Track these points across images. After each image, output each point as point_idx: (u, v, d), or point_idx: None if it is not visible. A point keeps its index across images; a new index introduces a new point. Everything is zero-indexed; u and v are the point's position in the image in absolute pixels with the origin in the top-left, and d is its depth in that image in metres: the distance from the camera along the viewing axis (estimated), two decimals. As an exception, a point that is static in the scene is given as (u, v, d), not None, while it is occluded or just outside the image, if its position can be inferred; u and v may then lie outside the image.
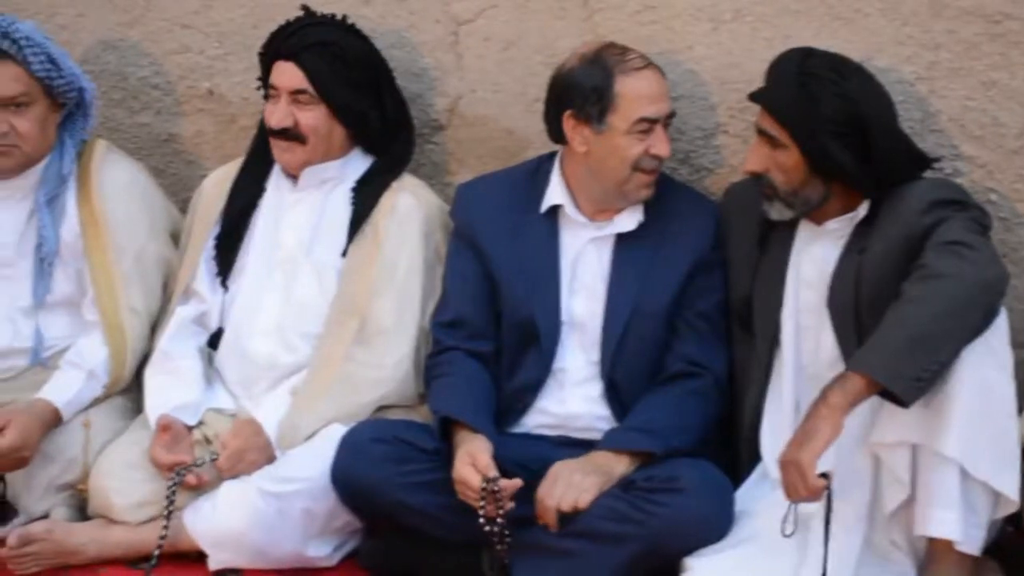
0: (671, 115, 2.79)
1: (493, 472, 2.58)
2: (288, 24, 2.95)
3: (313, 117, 2.90)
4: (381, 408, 2.87)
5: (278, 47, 2.93)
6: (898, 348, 2.37)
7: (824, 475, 2.39)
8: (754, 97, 2.67)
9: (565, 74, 2.79)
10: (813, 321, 2.69)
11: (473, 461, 2.59)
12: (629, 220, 2.81)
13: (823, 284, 2.67)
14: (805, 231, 2.72)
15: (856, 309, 2.60)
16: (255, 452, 2.77)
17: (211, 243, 3.01)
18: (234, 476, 2.78)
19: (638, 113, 2.72)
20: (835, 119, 2.56)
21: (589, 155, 2.77)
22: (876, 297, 2.55)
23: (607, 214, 2.82)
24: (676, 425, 2.72)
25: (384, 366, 2.85)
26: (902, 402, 2.38)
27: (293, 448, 2.78)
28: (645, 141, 2.74)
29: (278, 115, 2.90)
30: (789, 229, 2.73)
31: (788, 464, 2.40)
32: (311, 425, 2.80)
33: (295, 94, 2.89)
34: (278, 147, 2.93)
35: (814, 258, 2.70)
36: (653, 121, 2.74)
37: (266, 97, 2.97)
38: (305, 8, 2.99)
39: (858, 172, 2.59)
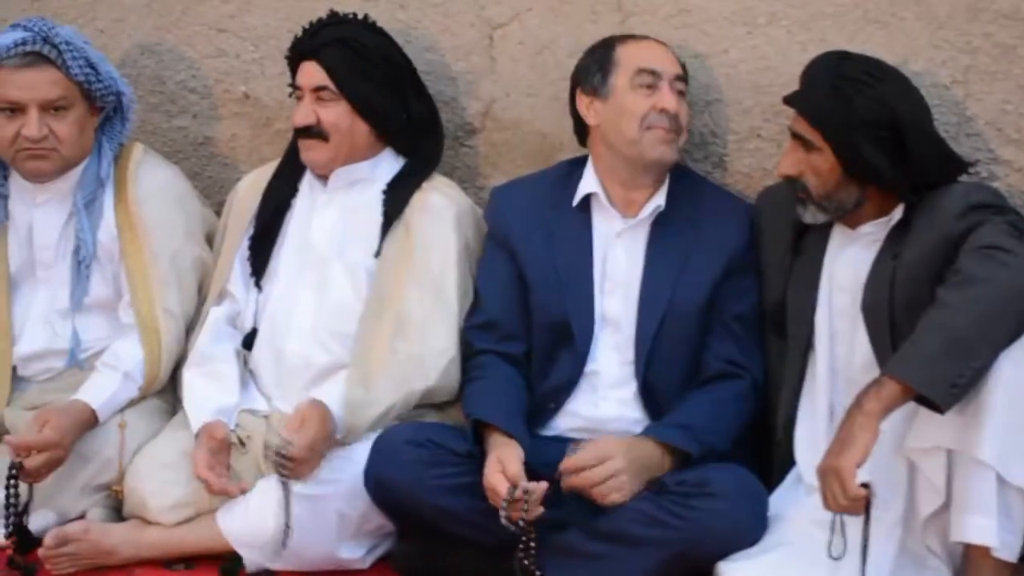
0: (680, 79, 2.82)
1: (523, 481, 2.58)
2: (311, 25, 2.99)
3: (334, 114, 2.92)
4: (417, 407, 2.86)
5: (301, 47, 2.96)
6: (934, 354, 2.36)
7: (865, 485, 2.37)
8: (788, 100, 2.67)
9: (576, 65, 2.89)
10: (847, 325, 2.68)
11: (503, 468, 2.60)
12: (651, 206, 2.83)
13: (857, 288, 2.65)
14: (839, 235, 2.71)
15: (890, 313, 2.59)
16: (325, 442, 2.73)
17: (245, 244, 3.03)
18: (299, 471, 2.72)
19: (636, 64, 2.78)
20: (869, 122, 2.55)
21: (602, 126, 2.82)
22: (911, 301, 2.53)
23: (635, 203, 2.83)
24: (716, 429, 2.71)
25: (425, 357, 2.85)
26: (938, 408, 2.36)
27: (356, 438, 2.77)
28: (651, 97, 2.77)
29: (301, 113, 2.93)
30: (823, 233, 2.72)
31: (827, 472, 2.38)
32: (372, 415, 2.78)
33: (317, 91, 2.92)
34: (303, 146, 2.96)
35: (848, 262, 2.69)
36: (654, 74, 2.77)
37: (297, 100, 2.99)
38: (330, 11, 3.01)
39: (892, 176, 2.58)
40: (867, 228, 2.66)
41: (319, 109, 2.92)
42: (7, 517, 2.75)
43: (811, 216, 2.67)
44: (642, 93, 2.78)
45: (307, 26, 2.99)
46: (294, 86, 2.99)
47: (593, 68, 2.83)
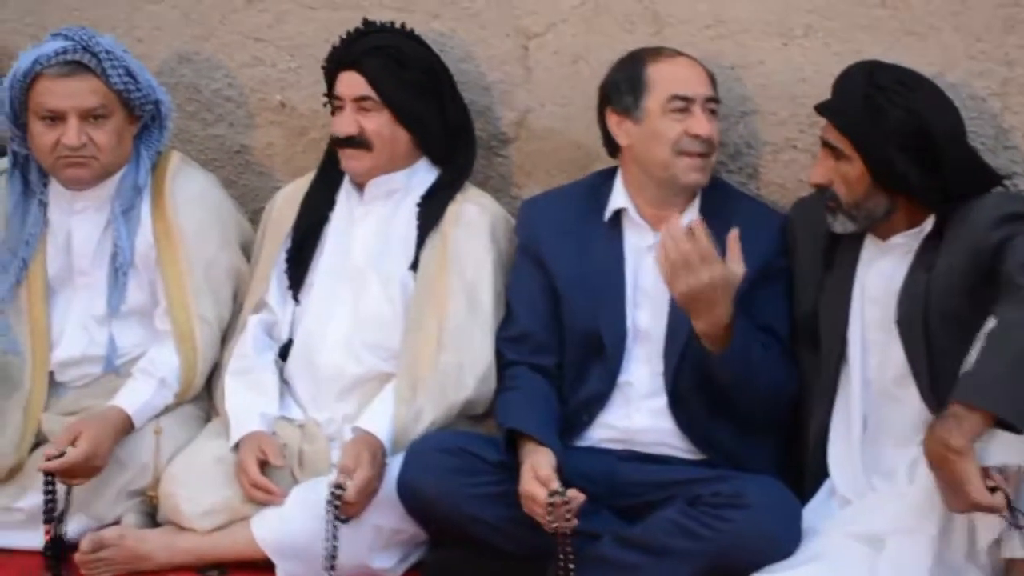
0: (712, 100, 2.80)
1: (556, 485, 2.58)
2: (348, 35, 3.00)
3: (377, 122, 2.93)
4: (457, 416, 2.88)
5: (339, 57, 2.97)
6: (1006, 375, 2.32)
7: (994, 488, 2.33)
8: (820, 108, 2.66)
9: (606, 79, 2.87)
10: (879, 337, 2.67)
11: (537, 475, 2.60)
12: (684, 221, 2.80)
13: (889, 300, 2.64)
14: (870, 246, 2.70)
15: (925, 325, 2.57)
16: (378, 479, 2.75)
17: (283, 257, 3.04)
18: (353, 513, 2.73)
19: (669, 91, 2.75)
20: (900, 131, 2.55)
21: (634, 148, 2.81)
22: (945, 313, 2.52)
23: (666, 220, 2.80)
24: (756, 367, 2.69)
25: (463, 367, 2.86)
26: (1017, 429, 2.33)
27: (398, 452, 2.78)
28: (683, 122, 2.76)
29: (344, 123, 2.93)
30: (855, 244, 2.71)
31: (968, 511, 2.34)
32: (417, 432, 2.80)
33: (358, 101, 2.92)
34: (345, 156, 2.97)
35: (880, 273, 2.68)
36: (687, 99, 2.76)
37: (333, 111, 3.00)
38: (365, 20, 3.03)
39: (923, 186, 2.57)
40: (898, 239, 2.65)
41: (362, 119, 2.93)
42: (45, 522, 2.78)
43: (840, 225, 2.66)
44: (674, 118, 2.76)
45: (344, 36, 3.00)
46: (331, 96, 3.00)
47: (624, 87, 2.81)
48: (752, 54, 2.97)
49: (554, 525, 2.57)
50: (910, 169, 2.55)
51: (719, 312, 2.62)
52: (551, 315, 2.88)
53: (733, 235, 2.61)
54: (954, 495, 2.33)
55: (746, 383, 2.69)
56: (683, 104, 2.76)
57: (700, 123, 2.76)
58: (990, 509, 2.34)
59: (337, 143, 2.98)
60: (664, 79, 2.78)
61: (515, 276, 2.96)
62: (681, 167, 2.77)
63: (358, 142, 2.94)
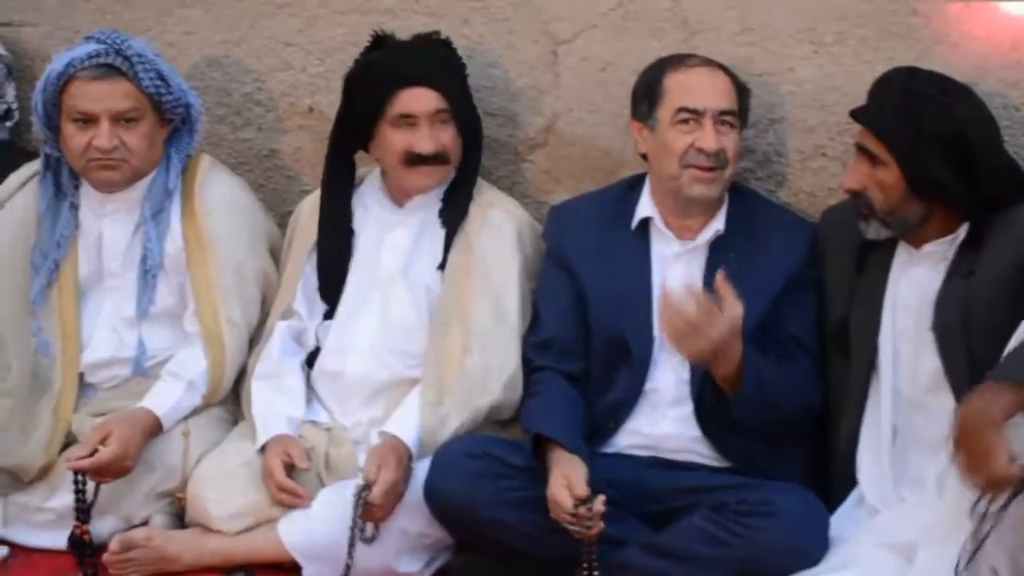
0: (727, 113, 2.76)
1: (584, 491, 2.58)
2: (402, 50, 2.95)
3: (451, 136, 2.94)
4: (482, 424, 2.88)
5: (403, 74, 2.90)
6: None
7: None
8: (855, 113, 2.65)
9: (634, 86, 2.86)
10: (911, 345, 2.66)
11: (568, 483, 2.60)
12: (708, 231, 2.82)
13: (921, 308, 2.64)
14: (903, 254, 2.69)
15: (964, 333, 2.56)
16: (404, 483, 2.76)
17: (309, 267, 3.03)
18: (378, 515, 2.74)
19: (677, 103, 2.74)
20: (937, 137, 2.54)
21: (649, 156, 2.81)
22: (987, 321, 2.51)
23: (691, 228, 2.82)
24: (775, 389, 2.68)
25: (489, 372, 2.86)
26: None
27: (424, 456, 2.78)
28: (691, 134, 2.74)
29: (427, 141, 2.89)
30: (886, 252, 2.70)
31: (989, 483, 2.26)
32: (444, 436, 2.80)
33: (434, 116, 2.90)
34: (420, 173, 2.93)
35: (912, 281, 2.67)
36: (696, 112, 2.74)
37: (367, 127, 2.94)
38: (418, 35, 3.01)
39: (959, 193, 2.56)
40: (931, 247, 2.65)
41: (440, 134, 2.91)
42: (77, 520, 2.80)
43: (874, 232, 2.65)
44: (683, 129, 2.75)
45: (395, 52, 2.94)
46: (375, 114, 2.91)
47: (643, 95, 2.82)
48: (782, 61, 2.97)
49: (580, 531, 2.57)
50: (947, 176, 2.55)
51: (733, 355, 2.63)
52: (578, 321, 2.88)
53: (719, 280, 2.59)
54: (977, 467, 2.27)
55: (768, 412, 2.69)
56: (691, 116, 2.74)
57: (707, 137, 2.73)
58: (1008, 483, 2.26)
59: (416, 160, 2.92)
60: (676, 90, 2.77)
61: (542, 282, 2.96)
62: (686, 179, 2.76)
63: (440, 158, 2.93)
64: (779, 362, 2.74)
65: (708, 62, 2.82)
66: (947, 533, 2.44)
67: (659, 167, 2.79)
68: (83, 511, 2.80)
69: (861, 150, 2.63)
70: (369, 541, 2.73)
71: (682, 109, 2.74)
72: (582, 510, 2.55)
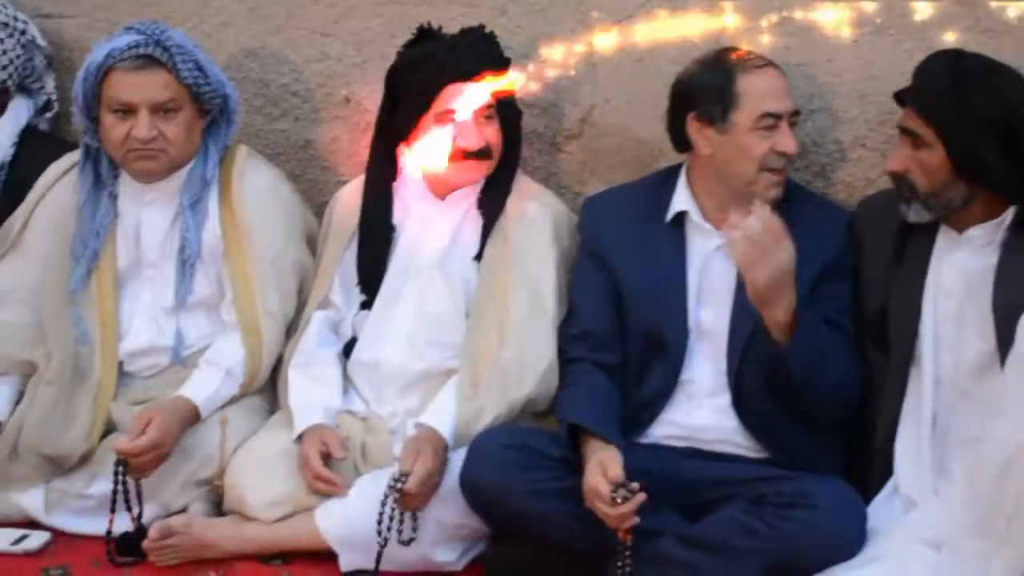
0: (795, 113, 2.78)
1: (622, 481, 2.58)
2: (449, 46, 2.93)
3: (496, 132, 2.94)
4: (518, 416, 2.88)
5: (452, 70, 2.90)
6: None
7: None
8: (901, 94, 2.63)
9: (686, 78, 2.82)
10: (953, 332, 2.64)
11: (604, 471, 2.60)
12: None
13: (965, 294, 2.62)
14: (944, 239, 2.67)
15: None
16: (439, 473, 2.76)
17: (347, 258, 3.04)
18: (415, 505, 2.74)
19: (761, 108, 2.72)
20: (987, 119, 2.52)
21: (715, 157, 2.78)
22: None
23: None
24: (827, 348, 2.67)
25: (524, 364, 2.86)
26: None
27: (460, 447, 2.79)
28: (770, 138, 2.73)
29: (473, 136, 2.90)
30: (927, 238, 2.68)
31: None
32: (479, 428, 2.81)
33: (480, 112, 2.90)
34: (464, 167, 2.93)
35: (955, 266, 2.65)
36: (777, 117, 2.73)
37: (411, 121, 2.94)
38: (464, 29, 3.00)
39: (1006, 175, 2.53)
40: (975, 231, 2.62)
41: (484, 129, 2.91)
42: (128, 510, 2.83)
43: (915, 215, 2.63)
44: (763, 135, 2.73)
45: (440, 47, 2.93)
46: (420, 109, 2.91)
47: (712, 97, 2.75)
48: (821, 51, 2.95)
49: (616, 521, 2.57)
50: (994, 158, 2.53)
51: (791, 295, 2.61)
52: (614, 312, 2.88)
53: (767, 213, 2.58)
54: None
55: (815, 375, 2.67)
56: (773, 121, 2.74)
57: (787, 140, 2.74)
58: None
59: (457, 155, 2.92)
60: (755, 94, 2.74)
61: (578, 273, 2.96)
62: (763, 183, 2.76)
63: (484, 153, 2.93)
64: (828, 329, 2.72)
65: (768, 60, 2.80)
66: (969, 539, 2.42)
67: (730, 169, 2.77)
68: (123, 500, 2.82)
69: (905, 132, 2.61)
70: (407, 543, 2.73)
71: (766, 115, 2.73)
72: (621, 491, 2.55)
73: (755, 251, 2.57)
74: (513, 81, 2.99)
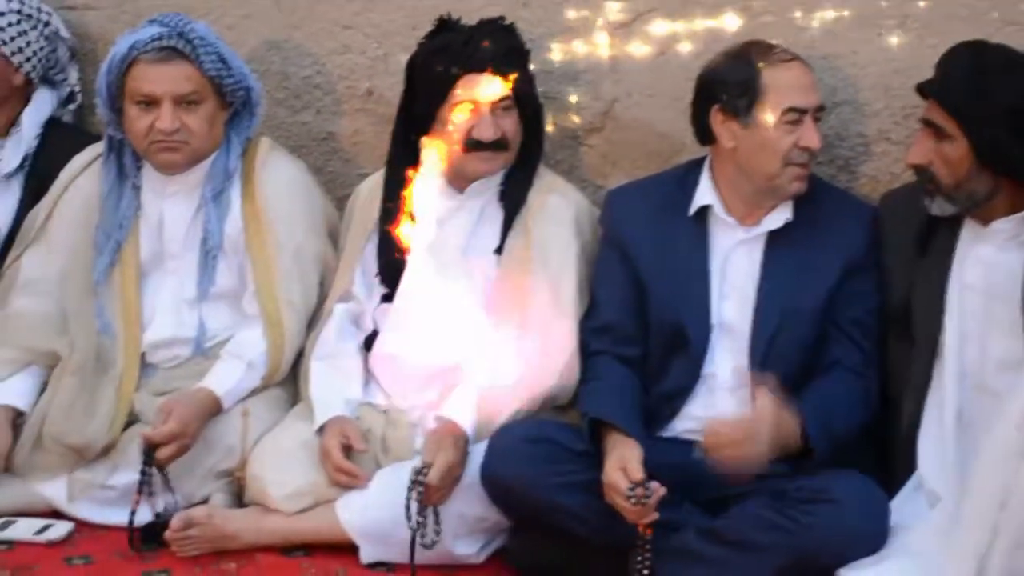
0: (820, 108, 2.77)
1: (640, 476, 2.58)
2: (467, 36, 2.93)
3: (513, 123, 2.94)
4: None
5: (468, 61, 2.89)
6: None
7: None
8: (923, 86, 2.61)
9: (711, 71, 2.81)
10: (978, 326, 2.63)
11: (623, 466, 2.59)
12: (778, 219, 2.80)
13: (990, 288, 2.60)
14: (969, 233, 2.66)
15: None
16: (460, 466, 2.76)
17: (367, 251, 3.04)
18: (437, 498, 2.74)
19: (786, 103, 2.71)
20: (1010, 110, 2.50)
21: (738, 151, 2.77)
22: None
23: (756, 215, 2.81)
24: (843, 430, 2.67)
25: (546, 358, 2.86)
26: None
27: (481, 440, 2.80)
28: (794, 133, 2.72)
29: (488, 128, 2.89)
30: (951, 232, 2.67)
31: None
32: (500, 421, 2.81)
33: (497, 103, 2.90)
34: (480, 158, 2.92)
35: (979, 260, 2.64)
36: (801, 111, 2.72)
37: (429, 112, 2.94)
38: (483, 21, 3.00)
39: None
40: (1000, 224, 2.61)
41: (501, 121, 2.91)
42: (154, 499, 2.85)
43: (938, 208, 2.61)
44: (787, 129, 2.72)
45: (457, 38, 2.92)
46: (437, 100, 2.91)
47: (737, 90, 2.74)
48: (845, 44, 2.94)
49: (634, 516, 2.57)
50: (1018, 149, 2.51)
51: (789, 437, 2.61)
52: (635, 306, 2.87)
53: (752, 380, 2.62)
54: None
55: (841, 444, 2.68)
56: (797, 116, 2.73)
57: (811, 135, 2.73)
58: None
59: (477, 146, 2.91)
60: (780, 88, 2.73)
61: (599, 267, 2.95)
62: (787, 178, 2.75)
63: (500, 145, 2.92)
64: (835, 385, 2.71)
65: (794, 55, 2.78)
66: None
67: (754, 163, 2.76)
68: (148, 490, 2.84)
69: (927, 124, 2.60)
70: (430, 547, 2.74)
71: (791, 109, 2.72)
72: (639, 491, 2.55)
73: (733, 455, 2.56)
74: (532, 73, 2.98)
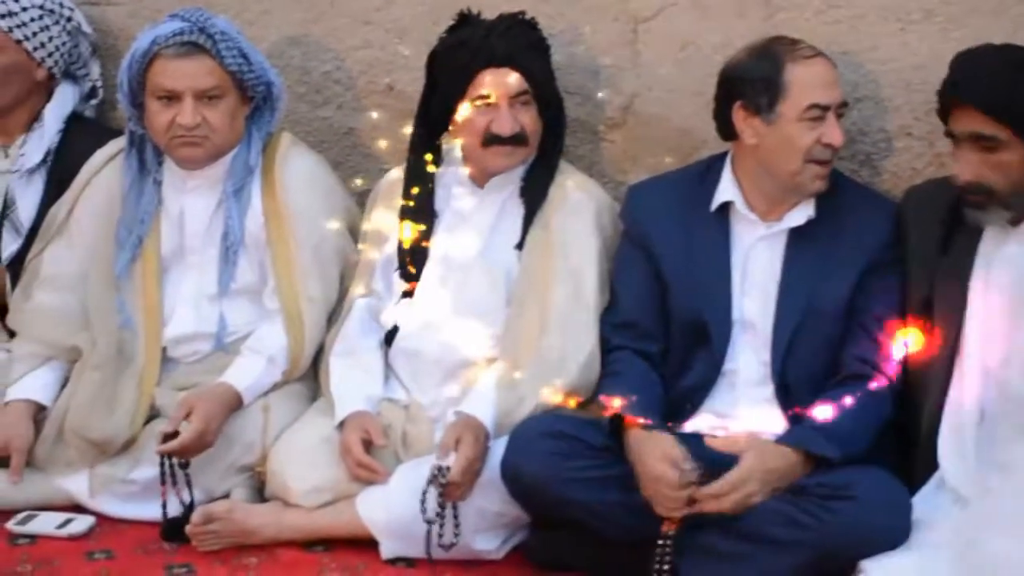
0: (843, 105, 2.75)
1: (689, 467, 2.59)
2: (486, 31, 2.93)
3: (532, 118, 2.93)
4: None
5: (487, 55, 2.89)
6: None
7: None
8: (960, 98, 2.56)
9: (734, 67, 2.80)
10: (1004, 325, 2.61)
11: (669, 458, 2.59)
12: (800, 215, 2.79)
13: (1017, 286, 2.58)
14: (994, 233, 2.64)
15: None
16: (480, 461, 2.76)
17: (388, 247, 3.04)
18: (457, 494, 2.74)
19: (808, 99, 2.70)
20: None
21: (760, 147, 2.76)
22: None
23: (778, 211, 2.80)
24: (855, 431, 2.67)
25: (566, 353, 2.86)
26: None
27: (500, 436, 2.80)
28: (817, 130, 2.71)
29: (506, 122, 2.89)
30: (975, 231, 2.65)
31: None
32: (520, 416, 2.81)
33: (516, 98, 2.90)
34: (499, 153, 2.93)
35: (1007, 260, 2.62)
36: (824, 108, 2.71)
37: (449, 107, 2.94)
38: (503, 15, 2.99)
39: None
40: None
41: (520, 115, 2.91)
42: (174, 485, 2.86)
43: (995, 218, 2.57)
44: (809, 126, 2.71)
45: (477, 31, 2.92)
46: (457, 94, 2.91)
47: (759, 87, 2.73)
48: (867, 39, 2.93)
49: (675, 504, 2.58)
50: None
51: (793, 471, 2.62)
52: (656, 302, 2.87)
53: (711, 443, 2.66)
54: None
55: (862, 447, 2.68)
56: (820, 113, 2.71)
57: (834, 132, 2.71)
58: None
59: (495, 141, 2.91)
60: (803, 85, 2.71)
61: (620, 262, 2.95)
62: (809, 175, 2.74)
63: (519, 139, 2.92)
64: (851, 396, 2.69)
65: (817, 51, 2.77)
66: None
67: (775, 160, 2.75)
68: (171, 481, 2.85)
69: (970, 138, 2.55)
70: (448, 548, 2.74)
71: (813, 106, 2.70)
72: (693, 474, 2.57)
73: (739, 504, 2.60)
74: (552, 68, 2.98)
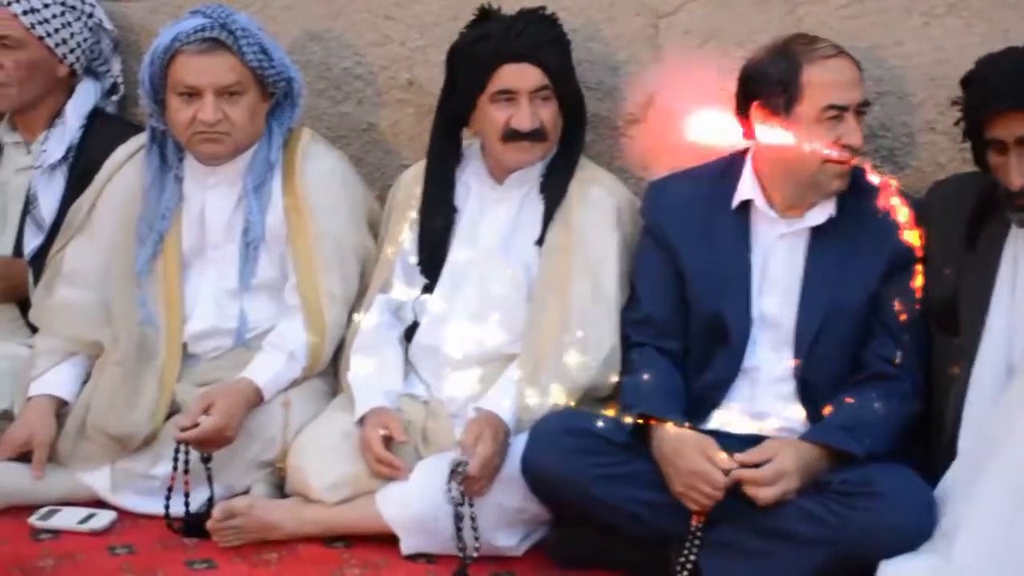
0: (864, 104, 2.73)
1: (731, 465, 2.60)
2: (506, 26, 2.92)
3: (552, 114, 2.93)
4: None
5: (506, 50, 2.89)
6: None
7: None
8: (1011, 104, 2.51)
9: (753, 66, 2.78)
10: None
11: (707, 455, 2.60)
12: (821, 214, 2.77)
13: None
14: (1021, 230, 2.61)
15: None
16: (500, 457, 2.77)
17: (409, 242, 3.04)
18: (477, 490, 2.75)
19: (825, 100, 2.68)
20: None
21: (779, 147, 2.74)
22: None
23: (798, 209, 2.78)
24: (878, 428, 2.66)
25: (586, 350, 2.85)
26: None
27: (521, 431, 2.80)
28: (836, 130, 2.69)
29: (526, 117, 2.89)
30: (1001, 226, 2.63)
31: None
32: (540, 412, 2.81)
33: (536, 93, 2.89)
34: (518, 148, 2.93)
35: None
36: (842, 109, 2.69)
37: (469, 102, 2.94)
38: (523, 11, 2.99)
39: None
40: None
41: (540, 111, 2.90)
42: (186, 485, 2.87)
43: None
44: (828, 126, 2.69)
45: (497, 27, 2.92)
46: (477, 89, 2.91)
47: (776, 88, 2.71)
48: (890, 34, 2.91)
49: (706, 504, 2.59)
50: None
51: (818, 467, 2.62)
52: (676, 298, 2.86)
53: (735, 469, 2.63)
54: None
55: (887, 446, 2.69)
56: (838, 113, 2.69)
57: (853, 133, 2.70)
58: None
59: (515, 136, 2.91)
60: (821, 85, 2.69)
61: (640, 259, 2.94)
62: (828, 175, 2.72)
63: (539, 135, 2.92)
64: (874, 395, 2.69)
65: (838, 50, 2.74)
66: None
67: (794, 160, 2.73)
68: (186, 474, 2.86)
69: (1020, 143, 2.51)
70: (471, 560, 2.73)
71: (831, 107, 2.68)
72: (731, 478, 2.58)
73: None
74: (572, 63, 2.97)
